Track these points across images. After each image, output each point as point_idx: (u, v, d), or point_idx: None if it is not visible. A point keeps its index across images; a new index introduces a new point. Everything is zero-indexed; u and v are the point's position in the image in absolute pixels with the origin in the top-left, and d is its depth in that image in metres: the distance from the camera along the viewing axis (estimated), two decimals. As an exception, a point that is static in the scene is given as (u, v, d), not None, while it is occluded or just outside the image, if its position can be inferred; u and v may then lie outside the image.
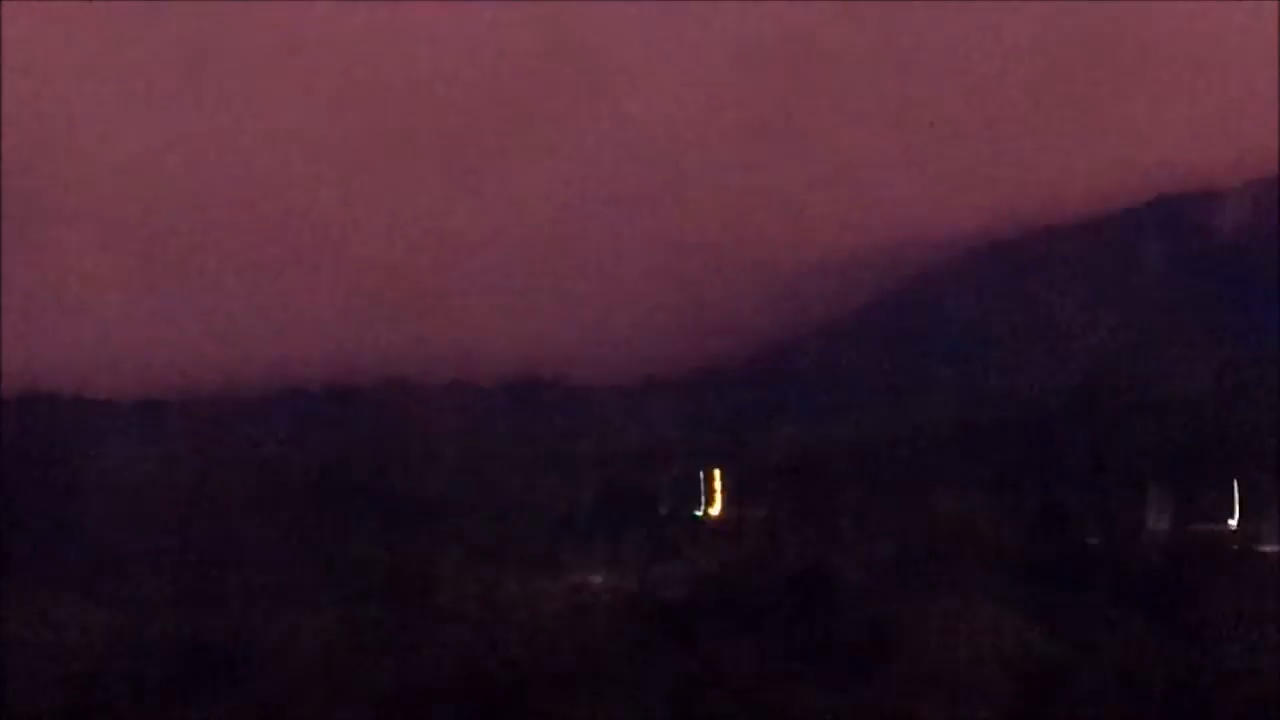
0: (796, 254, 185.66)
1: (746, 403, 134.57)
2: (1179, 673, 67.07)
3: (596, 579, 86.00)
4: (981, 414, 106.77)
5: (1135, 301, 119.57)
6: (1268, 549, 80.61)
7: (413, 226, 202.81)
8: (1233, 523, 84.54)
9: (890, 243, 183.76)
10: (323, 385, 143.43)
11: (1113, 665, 66.86)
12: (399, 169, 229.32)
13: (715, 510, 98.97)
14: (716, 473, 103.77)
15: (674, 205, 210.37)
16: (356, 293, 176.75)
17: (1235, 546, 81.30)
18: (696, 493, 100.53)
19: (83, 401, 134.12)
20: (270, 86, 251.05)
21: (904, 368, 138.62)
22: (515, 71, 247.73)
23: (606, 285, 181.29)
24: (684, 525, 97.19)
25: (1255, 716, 63.73)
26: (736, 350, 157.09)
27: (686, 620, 74.60)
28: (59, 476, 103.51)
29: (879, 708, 65.18)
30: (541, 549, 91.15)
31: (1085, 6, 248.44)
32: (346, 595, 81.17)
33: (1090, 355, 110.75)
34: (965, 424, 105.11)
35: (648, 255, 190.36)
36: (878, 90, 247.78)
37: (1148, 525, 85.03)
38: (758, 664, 69.54)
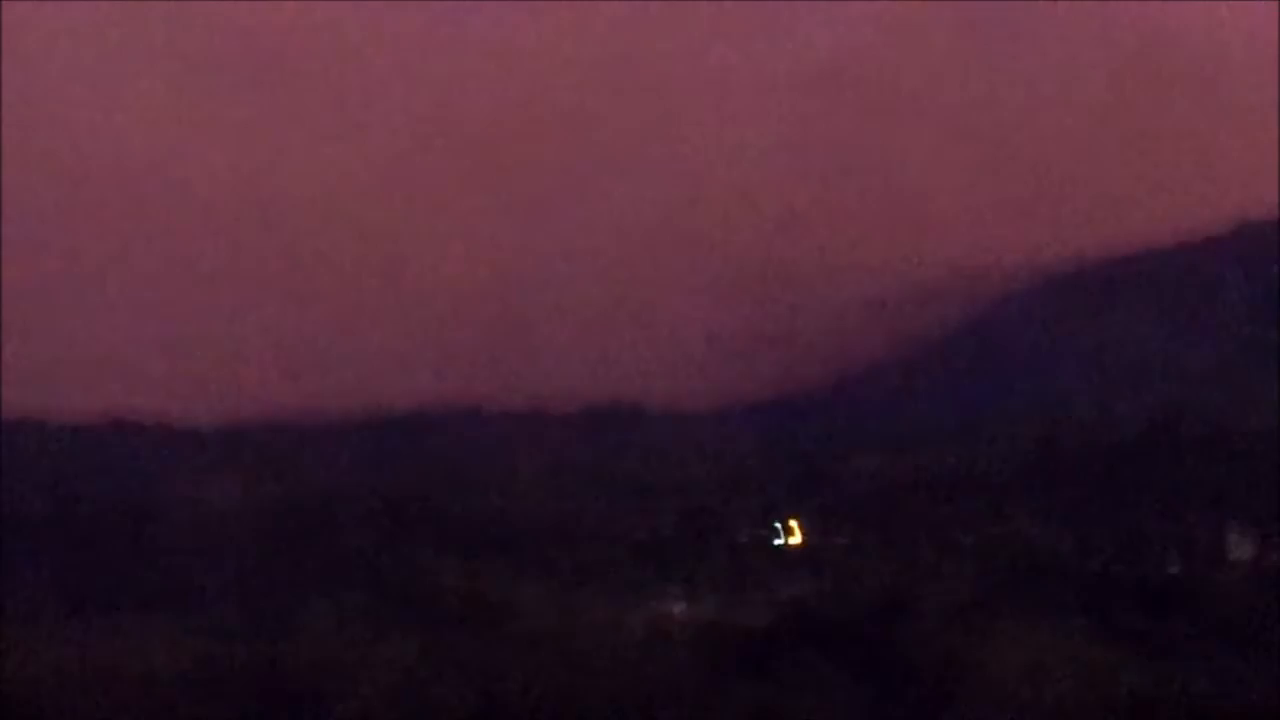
0: (874, 282, 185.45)
1: (825, 431, 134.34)
2: (1261, 703, 65.84)
3: (676, 607, 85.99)
4: (1060, 442, 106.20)
5: (1215, 329, 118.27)
6: None
7: (490, 256, 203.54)
8: None
9: (968, 271, 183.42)
10: (402, 413, 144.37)
11: (1194, 695, 65.92)
12: (475, 200, 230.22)
13: (795, 539, 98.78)
14: (796, 501, 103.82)
15: (749, 235, 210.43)
16: (434, 322, 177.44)
17: None
18: (776, 521, 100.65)
19: (160, 429, 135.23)
20: (348, 119, 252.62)
21: (981, 396, 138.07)
22: (589, 101, 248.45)
23: (683, 313, 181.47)
24: (764, 554, 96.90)
25: None
26: (814, 378, 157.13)
27: (766, 649, 73.84)
28: (144, 503, 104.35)
29: None
30: (620, 577, 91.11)
31: (1161, 33, 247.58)
32: (426, 622, 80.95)
33: (1170, 384, 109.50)
34: (1044, 452, 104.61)
35: (723, 284, 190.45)
36: (952, 119, 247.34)
37: (1229, 554, 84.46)
38: (837, 695, 68.77)
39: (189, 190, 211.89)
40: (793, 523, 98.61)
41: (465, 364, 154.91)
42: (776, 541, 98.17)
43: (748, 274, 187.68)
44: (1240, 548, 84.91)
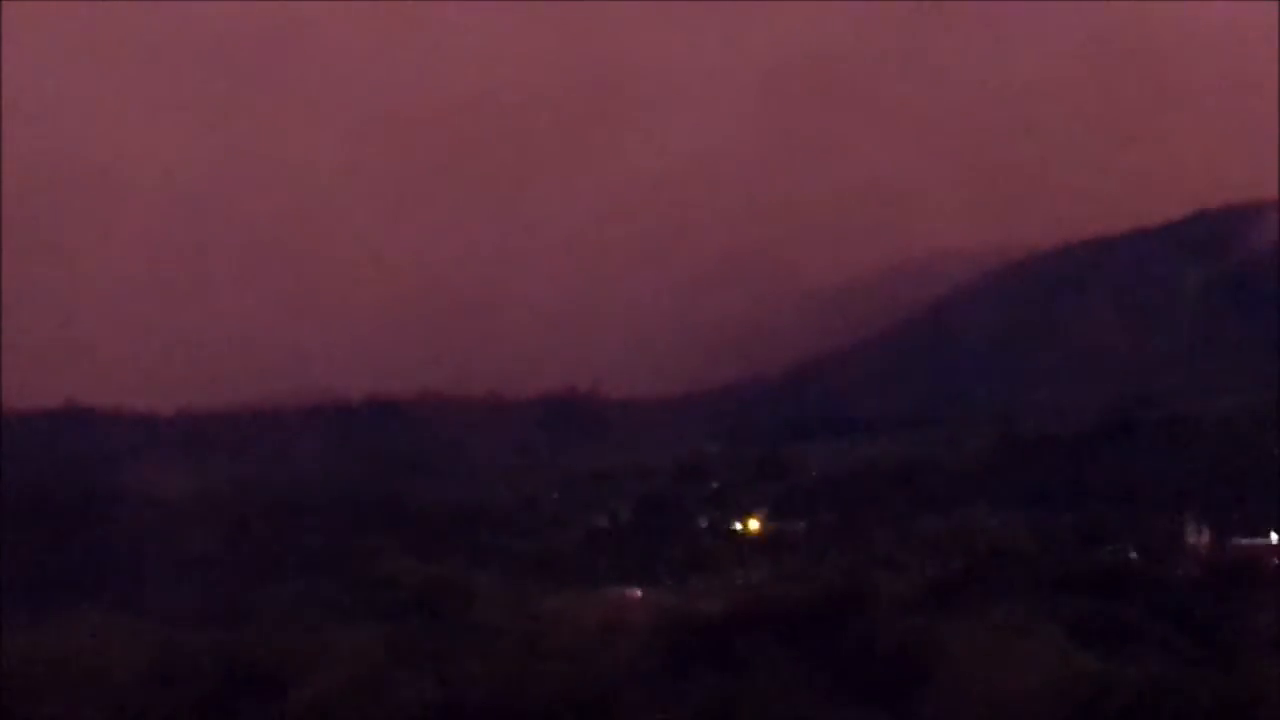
0: (830, 270, 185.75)
1: (783, 418, 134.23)
2: (1218, 689, 65.80)
3: (634, 593, 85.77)
4: (1018, 431, 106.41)
5: (1171, 318, 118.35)
6: None
7: (451, 244, 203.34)
8: (1268, 539, 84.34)
9: (923, 258, 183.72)
10: (362, 398, 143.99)
11: (1150, 680, 65.89)
12: (437, 192, 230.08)
13: (753, 526, 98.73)
14: (754, 489, 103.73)
15: (707, 228, 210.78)
16: (394, 311, 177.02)
17: (1270, 563, 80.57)
18: (733, 507, 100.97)
19: (120, 416, 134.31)
20: (310, 114, 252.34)
21: (939, 384, 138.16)
22: (550, 96, 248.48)
23: (641, 303, 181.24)
24: (722, 540, 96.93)
25: None
26: (772, 367, 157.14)
27: (724, 635, 73.05)
28: (102, 492, 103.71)
29: None
30: (578, 564, 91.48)
31: (1119, 23, 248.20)
32: (385, 611, 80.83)
33: (1126, 372, 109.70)
34: (1002, 440, 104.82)
35: (681, 274, 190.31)
36: (908, 109, 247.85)
37: (1186, 541, 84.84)
38: (795, 680, 68.00)
39: (145, 182, 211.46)
40: (751, 510, 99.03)
41: (425, 352, 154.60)
42: (734, 528, 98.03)
43: (705, 265, 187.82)
44: (1195, 535, 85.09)
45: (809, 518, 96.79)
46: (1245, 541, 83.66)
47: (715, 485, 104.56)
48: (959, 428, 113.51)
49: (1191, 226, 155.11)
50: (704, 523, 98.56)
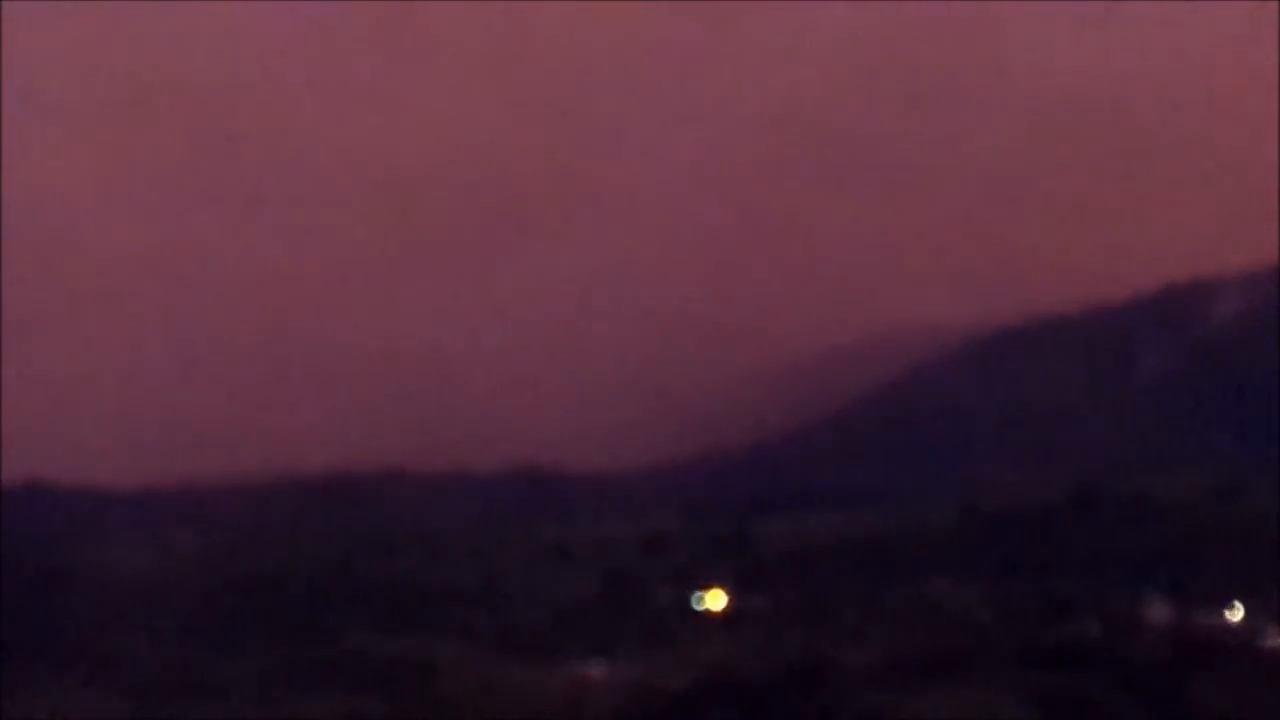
0: (793, 346, 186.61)
1: (747, 492, 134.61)
2: None
3: (596, 669, 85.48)
4: (980, 505, 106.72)
5: (1136, 392, 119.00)
6: (1264, 642, 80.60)
7: (414, 320, 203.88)
8: (1230, 616, 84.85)
9: (888, 334, 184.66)
10: (323, 474, 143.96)
11: None
12: (401, 269, 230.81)
13: (715, 601, 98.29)
14: (716, 563, 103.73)
15: (669, 302, 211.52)
16: (358, 385, 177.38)
17: (1232, 640, 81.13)
18: (696, 582, 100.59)
19: (83, 491, 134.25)
20: (276, 190, 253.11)
21: (904, 458, 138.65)
22: (519, 173, 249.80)
23: (603, 376, 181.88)
24: (683, 616, 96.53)
25: None
26: (734, 440, 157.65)
27: (687, 712, 73.56)
28: (65, 565, 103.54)
29: None
30: (540, 639, 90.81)
31: (1085, 99, 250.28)
32: (346, 685, 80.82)
33: (1090, 447, 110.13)
34: (964, 515, 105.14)
35: (643, 348, 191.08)
36: (876, 187, 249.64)
37: (1146, 617, 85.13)
38: None
39: (110, 262, 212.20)
40: (712, 585, 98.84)
41: (388, 426, 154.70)
42: (696, 603, 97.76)
43: (670, 339, 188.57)
44: (1157, 611, 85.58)
45: (771, 592, 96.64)
46: (1206, 619, 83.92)
47: (678, 560, 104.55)
48: (923, 502, 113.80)
49: (1158, 301, 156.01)
50: (666, 598, 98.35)
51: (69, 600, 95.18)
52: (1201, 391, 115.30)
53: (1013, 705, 68.94)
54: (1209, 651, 76.79)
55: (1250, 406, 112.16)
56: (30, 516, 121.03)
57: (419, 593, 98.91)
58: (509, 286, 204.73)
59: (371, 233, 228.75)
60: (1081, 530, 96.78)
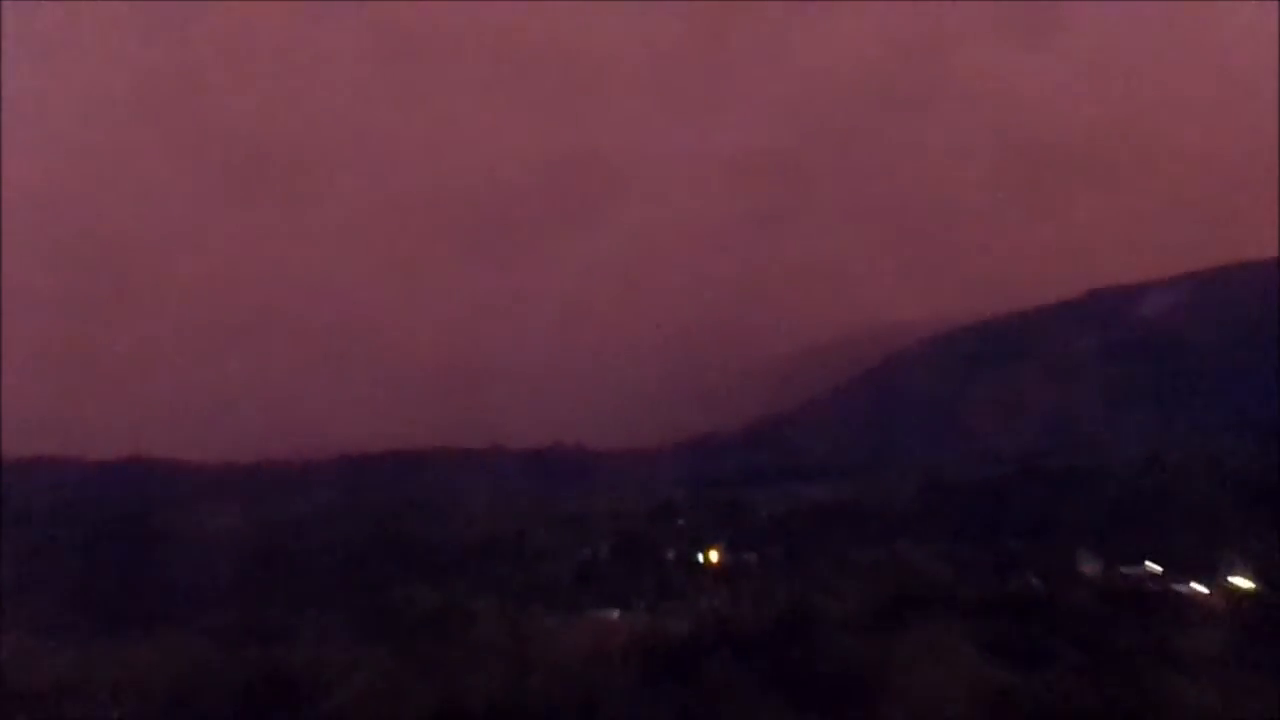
0: (784, 341, 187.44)
1: (740, 467, 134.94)
2: (1110, 695, 66.66)
3: (612, 616, 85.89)
4: (939, 478, 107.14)
5: (1076, 382, 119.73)
6: (1177, 590, 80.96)
7: (458, 320, 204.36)
8: (1149, 569, 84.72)
9: (864, 331, 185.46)
10: (378, 450, 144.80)
11: (1052, 689, 66.74)
12: (445, 273, 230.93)
13: (714, 557, 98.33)
14: (715, 527, 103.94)
15: (681, 302, 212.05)
16: (407, 373, 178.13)
17: (1150, 589, 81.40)
18: (697, 542, 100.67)
19: (176, 465, 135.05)
20: (324, 191, 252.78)
21: (876, 438, 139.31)
22: (543, 184, 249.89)
23: (619, 367, 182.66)
24: (687, 570, 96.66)
25: None
26: (732, 422, 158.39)
27: (690, 652, 73.54)
28: (158, 528, 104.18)
29: None
30: (564, 591, 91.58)
31: (1033, 120, 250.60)
32: (397, 631, 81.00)
33: (1035, 428, 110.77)
34: (925, 486, 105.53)
35: (656, 342, 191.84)
36: (854, 204, 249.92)
37: (1079, 571, 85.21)
38: (751, 691, 68.19)
39: (181, 265, 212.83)
40: (711, 545, 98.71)
41: (433, 410, 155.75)
42: (697, 560, 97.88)
43: (677, 335, 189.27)
44: (1088, 567, 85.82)
45: (761, 551, 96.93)
46: (1129, 570, 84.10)
47: (681, 523, 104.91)
48: (891, 475, 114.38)
49: (1087, 303, 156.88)
50: (671, 555, 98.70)
51: (162, 560, 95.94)
52: (1126, 381, 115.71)
53: (966, 647, 68.71)
54: (1131, 599, 77.19)
55: (1167, 393, 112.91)
56: (133, 487, 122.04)
57: (459, 552, 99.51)
58: (539, 298, 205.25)
59: (422, 243, 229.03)
60: (1025, 498, 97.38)
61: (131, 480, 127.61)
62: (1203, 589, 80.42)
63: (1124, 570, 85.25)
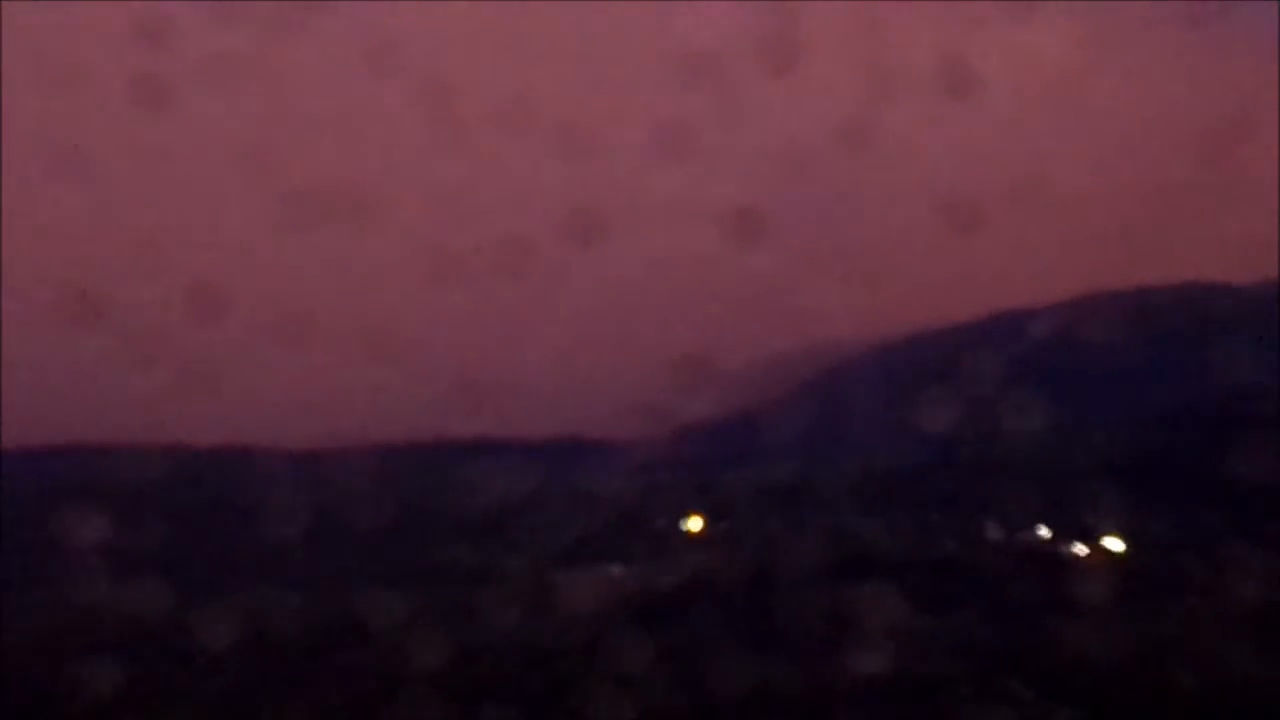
0: (750, 351, 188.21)
1: (716, 454, 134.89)
2: (1011, 638, 68.57)
3: (615, 572, 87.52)
4: (876, 463, 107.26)
5: (984, 386, 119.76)
6: (1068, 550, 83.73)
7: (477, 326, 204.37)
8: (1045, 533, 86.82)
9: (816, 343, 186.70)
10: (424, 439, 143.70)
11: (964, 629, 69.28)
12: (472, 290, 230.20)
13: (695, 525, 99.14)
14: (696, 501, 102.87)
15: (665, 323, 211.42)
16: (435, 372, 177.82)
17: (1046, 550, 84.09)
18: (681, 513, 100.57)
19: (249, 449, 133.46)
20: (376, 223, 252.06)
21: (824, 430, 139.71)
22: (552, 217, 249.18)
23: (619, 371, 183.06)
24: (673, 536, 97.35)
25: (1065, 672, 64.57)
26: (709, 416, 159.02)
27: (676, 601, 76.80)
28: (246, 504, 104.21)
29: (815, 663, 65.54)
30: (576, 552, 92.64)
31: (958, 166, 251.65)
32: (443, 584, 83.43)
33: (953, 424, 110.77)
34: (865, 470, 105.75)
35: (644, 351, 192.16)
36: (810, 235, 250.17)
37: (986, 537, 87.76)
38: (726, 632, 70.84)
39: (255, 281, 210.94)
40: (692, 515, 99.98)
41: (460, 404, 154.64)
42: (682, 528, 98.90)
43: (659, 351, 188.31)
44: (992, 533, 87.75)
45: (733, 520, 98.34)
46: (1025, 535, 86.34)
47: (669, 499, 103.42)
48: (837, 461, 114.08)
49: (993, 322, 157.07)
50: (660, 524, 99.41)
51: (253, 531, 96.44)
52: (1025, 385, 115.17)
53: (896, 597, 71.03)
54: (1027, 559, 79.50)
55: (1059, 394, 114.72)
56: (233, 473, 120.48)
57: (490, 522, 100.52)
58: (549, 324, 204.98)
59: (450, 255, 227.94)
60: (943, 479, 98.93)
61: (219, 464, 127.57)
62: (1084, 549, 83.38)
63: (1021, 535, 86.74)
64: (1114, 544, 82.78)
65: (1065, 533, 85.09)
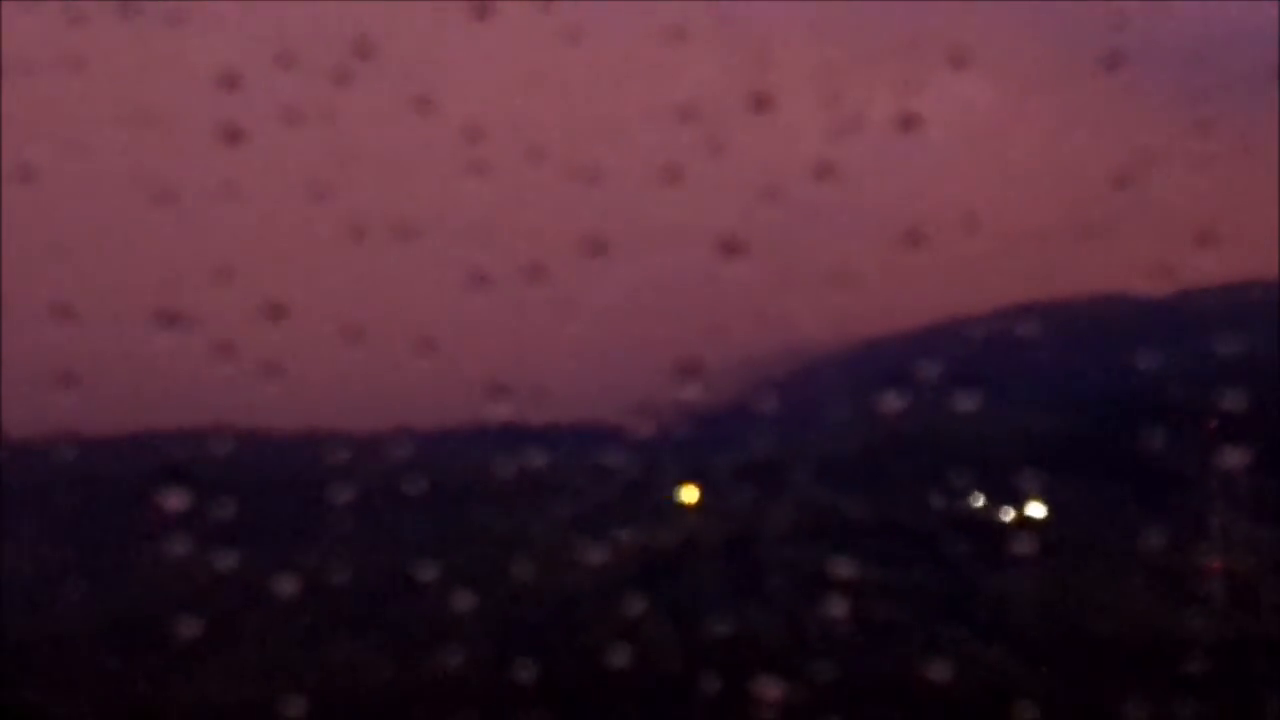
0: (735, 352, 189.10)
1: (706, 436, 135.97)
2: (949, 586, 71.88)
3: (624, 536, 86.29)
4: (841, 444, 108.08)
5: (928, 382, 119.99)
6: (999, 516, 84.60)
7: (498, 332, 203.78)
8: (978, 502, 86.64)
9: (787, 347, 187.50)
10: (457, 428, 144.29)
11: (910, 581, 70.92)
12: (496, 299, 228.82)
13: (690, 495, 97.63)
14: (692, 476, 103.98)
15: (660, 333, 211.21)
16: (463, 370, 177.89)
17: (980, 516, 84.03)
18: (677, 485, 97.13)
19: (313, 435, 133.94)
20: (420, 245, 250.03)
21: (797, 417, 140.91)
22: (565, 243, 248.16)
23: (626, 367, 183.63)
24: (671, 504, 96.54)
25: (995, 617, 67.23)
26: (696, 409, 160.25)
27: (675, 559, 79.35)
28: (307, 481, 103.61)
29: (791, 610, 67.97)
30: (589, 521, 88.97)
31: (912, 191, 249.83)
32: (477, 547, 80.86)
33: (900, 414, 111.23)
34: (831, 450, 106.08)
35: (644, 354, 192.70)
36: (784, 255, 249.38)
37: (932, 504, 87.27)
38: (720, 584, 74.16)
39: (314, 293, 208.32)
40: (690, 489, 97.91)
41: (491, 396, 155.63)
42: (678, 498, 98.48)
43: (658, 356, 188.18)
44: (936, 501, 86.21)
45: (722, 490, 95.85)
46: (962, 503, 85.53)
47: (667, 474, 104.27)
48: (808, 443, 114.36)
49: (936, 329, 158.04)
50: (660, 496, 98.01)
51: (316, 502, 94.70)
52: (965, 379, 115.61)
53: (857, 556, 70.03)
54: (964, 523, 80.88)
55: (995, 389, 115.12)
56: (297, 454, 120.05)
57: (518, 493, 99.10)
58: (565, 334, 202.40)
59: (479, 271, 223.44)
60: (895, 457, 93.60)
61: (286, 446, 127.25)
62: (1012, 514, 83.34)
63: (959, 503, 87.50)
64: (1038, 510, 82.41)
65: (996, 501, 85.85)
